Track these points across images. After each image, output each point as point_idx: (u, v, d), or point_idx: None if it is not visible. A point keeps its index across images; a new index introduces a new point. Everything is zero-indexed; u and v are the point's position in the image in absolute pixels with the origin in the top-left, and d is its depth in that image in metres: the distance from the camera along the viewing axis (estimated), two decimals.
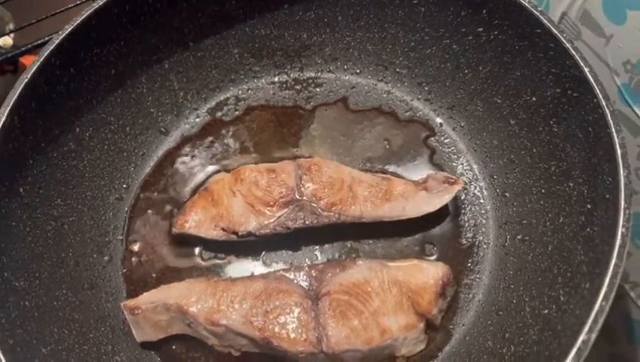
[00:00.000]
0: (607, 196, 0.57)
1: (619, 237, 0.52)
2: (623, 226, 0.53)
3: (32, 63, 0.65)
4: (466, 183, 0.75)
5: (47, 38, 0.82)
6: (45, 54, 0.66)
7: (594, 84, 0.61)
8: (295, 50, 0.85)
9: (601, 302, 0.50)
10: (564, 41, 0.64)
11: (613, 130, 0.58)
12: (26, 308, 0.60)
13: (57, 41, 0.67)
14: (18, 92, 0.64)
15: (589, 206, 0.61)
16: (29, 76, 0.65)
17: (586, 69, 0.62)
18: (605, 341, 0.92)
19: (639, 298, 0.81)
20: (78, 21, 0.68)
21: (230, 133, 0.83)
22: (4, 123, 0.62)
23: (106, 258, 0.73)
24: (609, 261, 0.52)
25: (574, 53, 0.63)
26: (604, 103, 0.60)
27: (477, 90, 0.78)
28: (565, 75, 0.65)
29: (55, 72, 0.68)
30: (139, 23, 0.75)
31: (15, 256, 0.62)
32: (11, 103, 0.63)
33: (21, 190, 0.65)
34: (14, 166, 0.64)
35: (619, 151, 0.57)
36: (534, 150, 0.71)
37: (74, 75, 0.71)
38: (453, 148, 0.79)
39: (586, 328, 0.49)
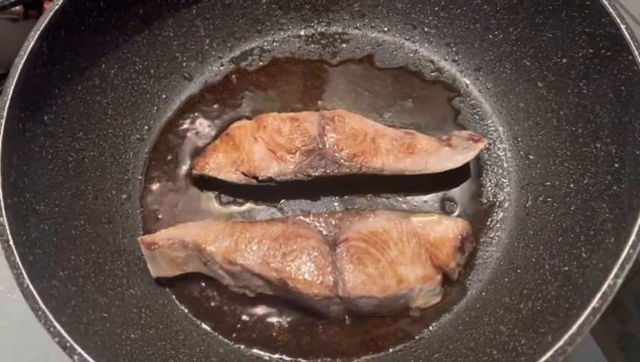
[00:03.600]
0: (638, 152, 0.57)
1: None
2: None
3: None
4: (489, 142, 0.75)
5: None
6: None
7: (630, 40, 0.60)
8: (323, 4, 0.85)
9: (629, 249, 0.49)
10: None
11: None
12: (45, 231, 0.60)
13: None
14: (48, 18, 0.63)
15: (616, 165, 0.61)
16: (60, 3, 0.64)
17: (623, 26, 0.61)
18: (617, 319, 0.92)
19: None
20: None
21: (253, 83, 0.82)
22: (33, 47, 0.62)
23: (125, 195, 0.73)
24: (638, 211, 0.51)
25: (611, 10, 0.62)
26: (639, 60, 0.59)
27: (506, 52, 0.77)
28: (600, 33, 0.64)
29: (85, 3, 0.68)
30: None
31: (36, 181, 0.62)
32: (41, 28, 0.63)
33: (45, 118, 0.65)
34: (40, 93, 0.64)
35: None
36: (561, 112, 0.71)
37: (103, 10, 0.71)
38: (478, 109, 0.78)
39: (612, 273, 0.49)
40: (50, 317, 0.49)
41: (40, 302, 0.50)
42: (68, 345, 0.48)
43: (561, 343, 0.47)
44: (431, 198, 0.73)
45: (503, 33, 0.77)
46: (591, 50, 0.66)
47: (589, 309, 0.48)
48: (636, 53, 0.59)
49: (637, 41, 0.60)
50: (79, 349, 0.48)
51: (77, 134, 0.70)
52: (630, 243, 0.50)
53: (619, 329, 0.91)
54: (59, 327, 0.49)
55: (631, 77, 0.60)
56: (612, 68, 0.63)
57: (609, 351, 0.92)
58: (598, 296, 0.48)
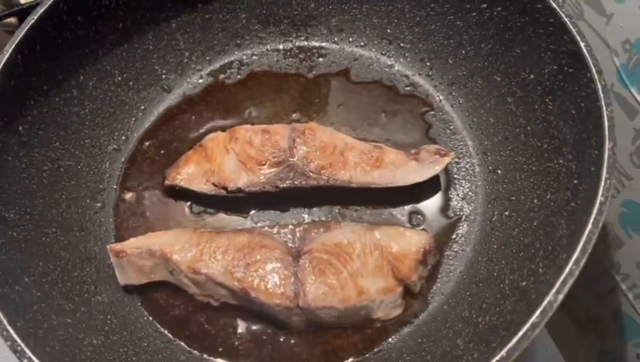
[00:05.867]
0: (592, 169, 0.57)
1: (597, 205, 0.52)
2: (602, 195, 0.53)
3: (39, 6, 0.68)
4: (457, 156, 0.75)
5: None
6: None
7: (588, 58, 0.61)
8: (302, 19, 0.86)
9: (571, 265, 0.50)
10: (562, 15, 0.64)
11: (603, 103, 0.58)
12: (13, 238, 0.62)
13: None
14: (24, 32, 0.66)
15: (575, 181, 0.61)
16: (35, 18, 0.67)
17: (582, 43, 0.62)
18: (596, 337, 0.91)
19: (630, 290, 0.80)
20: None
21: (231, 95, 0.84)
22: (7, 59, 0.64)
23: (99, 204, 0.75)
24: (585, 227, 0.52)
25: (572, 27, 0.63)
26: (596, 77, 0.59)
27: (478, 67, 0.78)
28: (563, 50, 0.65)
29: (62, 17, 0.70)
30: None
31: (7, 189, 0.64)
32: (16, 41, 0.65)
33: (20, 128, 0.67)
34: (15, 103, 0.67)
35: (606, 124, 0.56)
36: (529, 128, 0.71)
37: (81, 24, 0.73)
38: (449, 124, 0.79)
39: (554, 289, 0.49)
40: (4, 321, 0.51)
41: None
42: (19, 348, 0.50)
43: (497, 357, 0.47)
44: (399, 211, 0.74)
45: (475, 49, 0.78)
46: (555, 67, 0.67)
47: (529, 324, 0.48)
48: (593, 70, 0.60)
49: (595, 58, 0.61)
50: (29, 353, 0.49)
51: (53, 144, 0.72)
52: (574, 258, 0.50)
53: (598, 348, 0.91)
54: (11, 331, 0.50)
55: (589, 94, 0.60)
56: (573, 84, 0.63)
57: None
58: (539, 311, 0.48)
